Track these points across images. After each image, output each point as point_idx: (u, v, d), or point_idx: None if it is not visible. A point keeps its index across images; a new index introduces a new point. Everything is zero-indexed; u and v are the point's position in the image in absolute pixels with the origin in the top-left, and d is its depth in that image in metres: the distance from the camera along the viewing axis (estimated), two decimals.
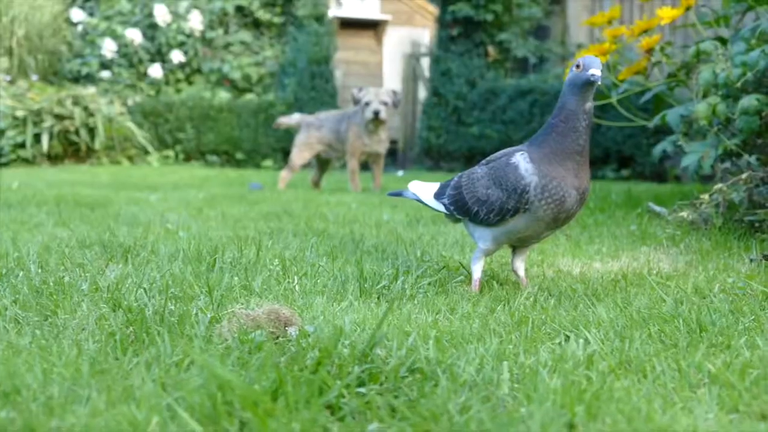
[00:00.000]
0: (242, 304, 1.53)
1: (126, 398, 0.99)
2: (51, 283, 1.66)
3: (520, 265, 1.88)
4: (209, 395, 0.95)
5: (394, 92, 5.42)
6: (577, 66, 1.69)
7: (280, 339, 1.28)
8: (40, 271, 1.83)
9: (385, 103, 5.24)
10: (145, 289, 1.61)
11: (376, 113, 5.20)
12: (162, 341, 1.23)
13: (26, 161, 7.71)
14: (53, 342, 1.24)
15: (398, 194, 2.17)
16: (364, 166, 5.68)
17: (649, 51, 3.40)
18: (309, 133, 5.61)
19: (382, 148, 5.46)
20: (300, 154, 5.65)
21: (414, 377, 1.10)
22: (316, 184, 5.81)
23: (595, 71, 1.65)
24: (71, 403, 0.97)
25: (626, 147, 7.17)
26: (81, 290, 1.62)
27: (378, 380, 1.07)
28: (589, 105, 1.70)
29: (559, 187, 1.69)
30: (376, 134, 5.35)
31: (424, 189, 2.04)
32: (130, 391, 1.01)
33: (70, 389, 1.02)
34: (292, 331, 1.32)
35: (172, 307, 1.45)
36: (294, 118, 5.86)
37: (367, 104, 5.27)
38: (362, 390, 1.04)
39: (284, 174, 5.75)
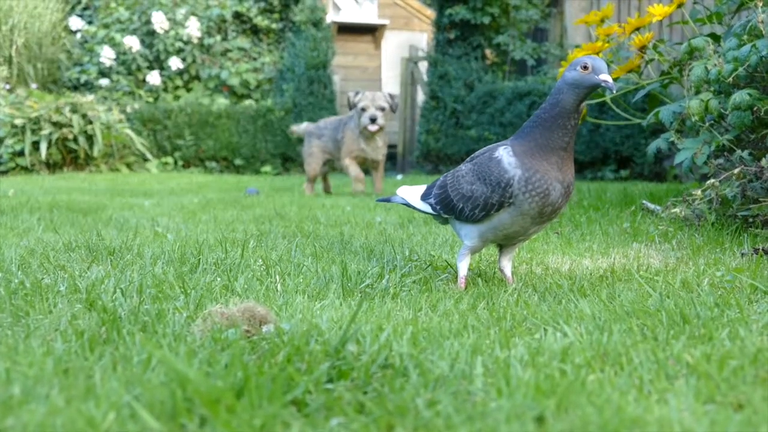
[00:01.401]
0: (222, 303, 1.51)
1: (86, 396, 0.97)
2: (27, 285, 1.64)
3: (506, 264, 1.86)
4: (170, 392, 0.93)
5: (392, 96, 5.26)
6: (585, 67, 1.66)
7: (255, 337, 1.26)
8: (19, 273, 1.81)
9: (382, 109, 5.11)
10: (122, 289, 1.59)
11: (373, 120, 5.05)
12: (132, 341, 1.21)
13: (25, 169, 7.70)
14: (21, 342, 1.21)
15: (387, 200, 2.16)
16: (365, 172, 5.58)
17: (642, 49, 3.38)
18: (311, 142, 5.49)
19: (380, 154, 5.30)
20: (309, 164, 5.48)
21: (385, 373, 1.07)
22: (327, 190, 5.67)
23: (606, 77, 1.63)
24: (30, 402, 0.95)
25: (625, 147, 7.14)
26: (59, 291, 1.61)
27: (348, 376, 1.05)
28: (582, 105, 1.69)
29: (543, 180, 1.67)
30: (372, 140, 5.20)
31: (412, 192, 2.02)
32: (92, 389, 0.99)
33: (32, 388, 1.00)
34: (266, 329, 1.30)
35: (148, 307, 1.43)
36: (302, 127, 5.74)
37: (363, 110, 5.11)
38: (330, 386, 1.02)
39: (305, 186, 5.56)
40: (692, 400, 0.98)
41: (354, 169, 5.25)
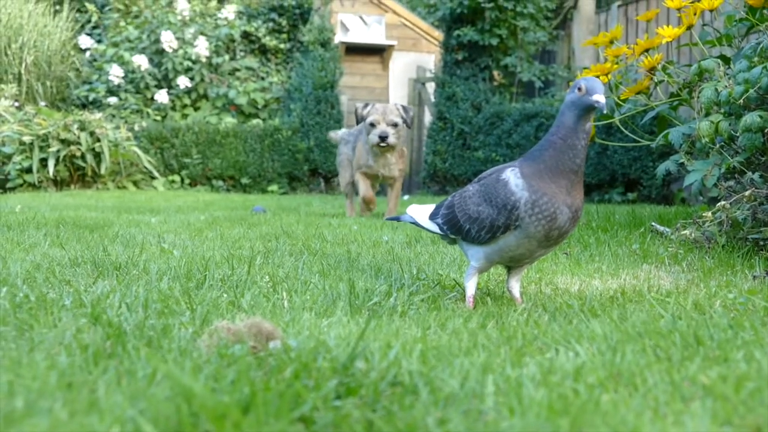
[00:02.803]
0: (228, 319, 1.49)
1: (90, 410, 0.95)
2: (32, 299, 1.62)
3: (515, 285, 1.84)
4: (175, 407, 0.91)
5: (405, 109, 4.65)
6: (579, 89, 1.65)
7: (262, 353, 1.24)
8: (24, 287, 1.80)
9: (395, 124, 4.52)
10: (127, 304, 1.57)
11: (383, 137, 4.49)
12: (137, 355, 1.19)
13: (32, 186, 7.71)
14: (25, 355, 1.20)
15: (396, 219, 2.15)
16: (381, 190, 5.25)
17: (652, 70, 3.37)
18: (341, 150, 5.06)
19: (393, 171, 4.74)
20: (341, 175, 5.07)
21: (394, 390, 1.05)
22: (361, 210, 5.09)
23: (599, 98, 1.62)
24: (33, 415, 0.93)
25: (632, 170, 7.12)
26: (64, 306, 1.59)
27: (357, 393, 1.03)
28: (589, 125, 1.67)
29: (550, 203, 1.65)
30: (382, 157, 4.65)
31: (421, 211, 2.01)
32: (95, 403, 0.97)
33: (35, 401, 0.98)
34: (273, 345, 1.28)
35: (153, 322, 1.41)
36: (339, 133, 5.27)
37: (372, 125, 4.55)
38: (338, 403, 1.00)
39: (346, 203, 5.14)
40: (709, 422, 0.96)
41: (362, 187, 4.77)
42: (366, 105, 4.66)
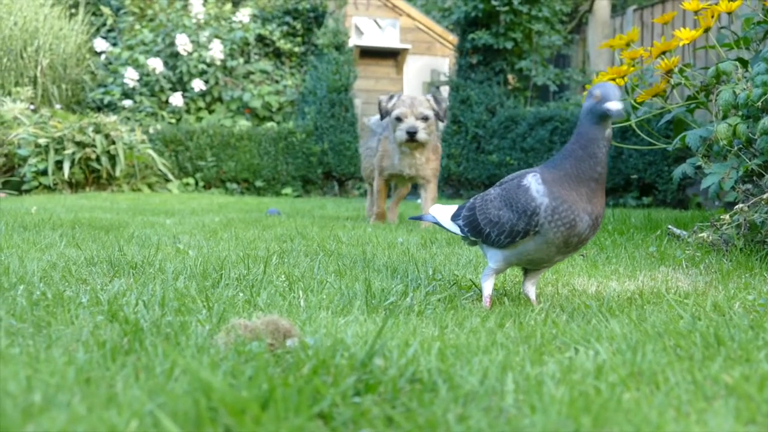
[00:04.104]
0: (245, 317, 1.48)
1: (108, 404, 0.95)
2: (49, 296, 1.62)
3: (531, 288, 1.83)
4: (194, 401, 0.90)
5: (437, 99, 4.10)
6: (594, 96, 1.64)
7: (279, 350, 1.24)
8: (41, 285, 1.80)
9: (425, 118, 3.98)
10: (144, 301, 1.57)
11: (412, 133, 3.95)
12: (155, 351, 1.19)
13: (48, 188, 7.74)
14: (42, 351, 1.20)
15: (419, 218, 2.16)
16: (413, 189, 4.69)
17: (669, 73, 3.35)
18: (363, 143, 4.60)
19: (420, 170, 4.16)
20: (365, 170, 4.54)
21: (413, 387, 1.05)
22: (390, 209, 4.65)
23: (612, 104, 1.59)
24: (51, 409, 0.93)
25: (647, 174, 7.08)
26: (81, 303, 1.59)
27: (376, 390, 1.02)
28: (609, 132, 1.66)
29: (570, 210, 1.64)
30: (410, 156, 4.11)
31: (443, 212, 2.01)
32: (114, 398, 0.97)
33: (53, 396, 0.98)
34: (290, 342, 1.27)
35: (170, 319, 1.41)
36: (372, 120, 4.70)
37: (398, 120, 4.00)
38: (357, 399, 0.99)
39: (367, 202, 4.66)
40: (732, 420, 0.95)
41: (377, 199, 4.33)
42: (391, 97, 4.12)
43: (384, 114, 4.12)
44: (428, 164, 4.17)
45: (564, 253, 1.72)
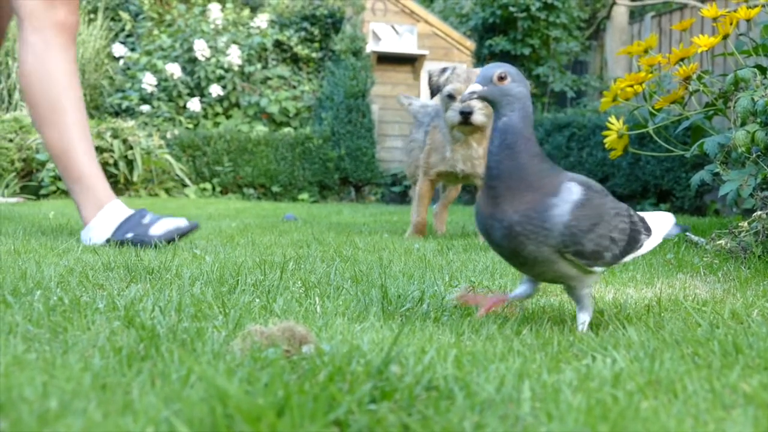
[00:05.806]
0: (261, 323, 1.48)
1: (124, 411, 0.95)
2: (66, 302, 1.63)
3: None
4: (209, 408, 0.90)
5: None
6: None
7: (295, 357, 1.24)
8: (58, 290, 1.80)
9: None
10: (160, 307, 1.58)
11: (466, 115, 3.21)
12: (171, 357, 1.19)
13: (65, 193, 7.77)
14: (59, 357, 1.20)
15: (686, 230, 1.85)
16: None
17: (687, 80, 3.34)
18: (411, 137, 3.90)
19: (476, 167, 3.42)
20: (409, 164, 3.89)
21: (429, 395, 1.04)
22: (436, 216, 4.22)
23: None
24: (67, 416, 0.93)
25: (665, 181, 7.05)
26: (97, 309, 1.59)
27: (392, 397, 1.02)
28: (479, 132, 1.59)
29: (479, 215, 1.51)
30: (464, 144, 3.40)
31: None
32: (130, 404, 0.97)
33: (69, 402, 0.98)
34: (306, 349, 1.27)
35: (187, 325, 1.41)
36: (413, 105, 4.01)
37: (450, 97, 3.27)
38: (373, 407, 0.99)
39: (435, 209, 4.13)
40: (751, 429, 0.94)
41: (419, 206, 3.64)
42: (444, 70, 3.40)
43: (434, 90, 3.42)
44: (477, 161, 3.42)
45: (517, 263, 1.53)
